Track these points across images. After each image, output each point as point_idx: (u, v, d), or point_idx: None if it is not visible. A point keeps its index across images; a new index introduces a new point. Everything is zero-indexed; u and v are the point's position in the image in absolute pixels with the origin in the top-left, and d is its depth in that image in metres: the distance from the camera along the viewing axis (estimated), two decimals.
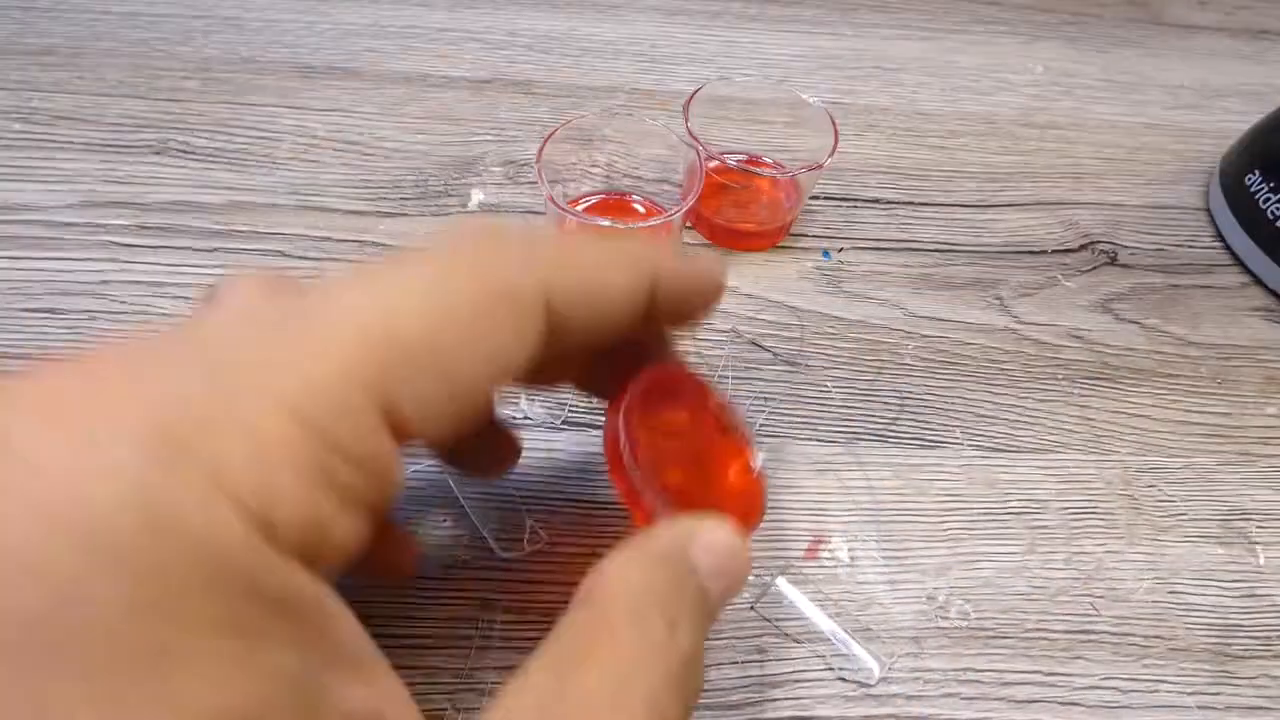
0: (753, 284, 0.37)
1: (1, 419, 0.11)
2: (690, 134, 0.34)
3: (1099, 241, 0.40)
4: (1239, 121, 0.45)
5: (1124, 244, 0.41)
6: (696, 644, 0.17)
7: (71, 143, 0.39)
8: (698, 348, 0.34)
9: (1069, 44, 0.52)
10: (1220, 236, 0.41)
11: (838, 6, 0.53)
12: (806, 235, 0.39)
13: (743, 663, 0.26)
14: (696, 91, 0.36)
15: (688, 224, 0.38)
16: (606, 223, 0.33)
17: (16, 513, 0.10)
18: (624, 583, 0.17)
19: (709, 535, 0.18)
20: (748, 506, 0.22)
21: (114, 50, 0.44)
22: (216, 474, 0.11)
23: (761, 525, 0.23)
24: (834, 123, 0.36)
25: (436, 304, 0.13)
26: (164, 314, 0.33)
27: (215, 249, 0.36)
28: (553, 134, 0.33)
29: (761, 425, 0.32)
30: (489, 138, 0.42)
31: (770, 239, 0.38)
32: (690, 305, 0.19)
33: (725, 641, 0.27)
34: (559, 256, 0.15)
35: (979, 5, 0.54)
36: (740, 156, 0.39)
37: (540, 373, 0.19)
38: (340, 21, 0.47)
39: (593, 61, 0.47)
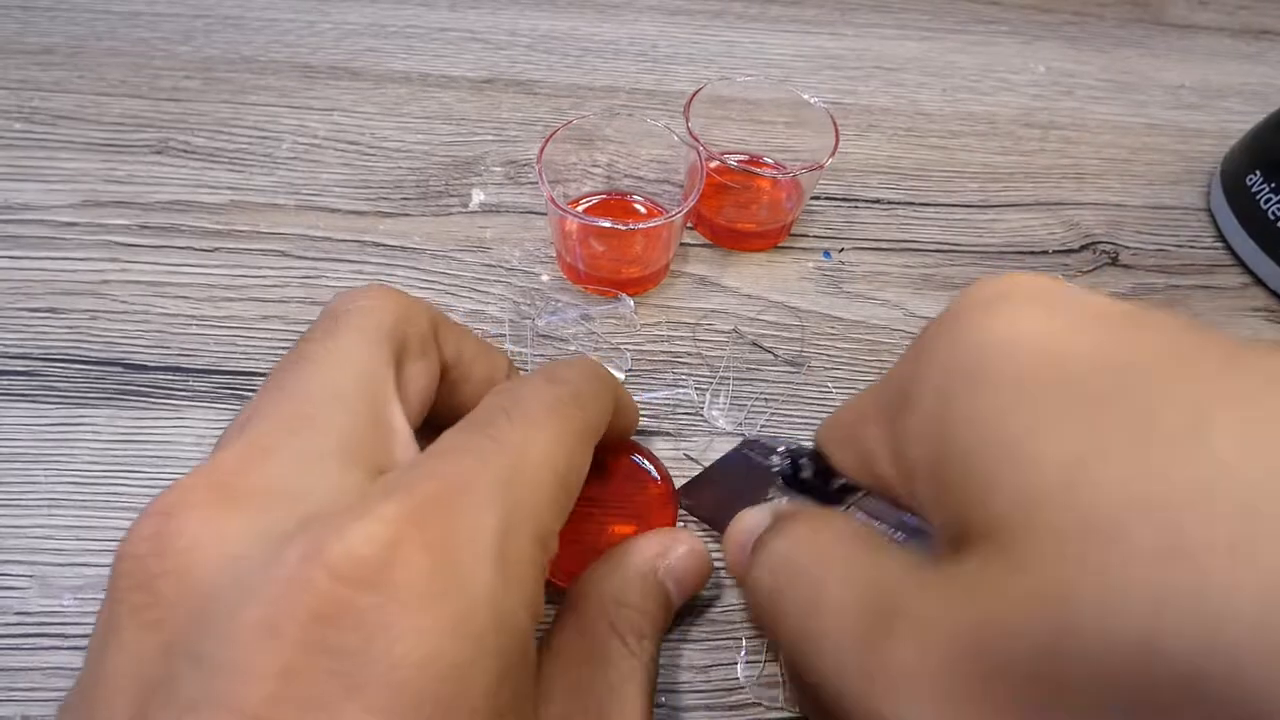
0: (753, 284, 0.37)
1: (405, 548, 0.14)
2: (691, 134, 0.34)
3: (1100, 242, 0.40)
4: (1240, 121, 0.45)
5: (1125, 244, 0.40)
6: (657, 649, 0.22)
7: (72, 142, 0.39)
8: (699, 349, 0.34)
9: (1070, 44, 0.52)
10: (1221, 237, 0.41)
11: (838, 6, 0.53)
12: (807, 235, 0.39)
13: (743, 663, 0.26)
14: (697, 92, 0.36)
15: (689, 224, 0.38)
16: (607, 223, 0.33)
17: (428, 618, 0.14)
18: (603, 597, 0.22)
19: (676, 550, 0.24)
20: (660, 510, 0.27)
21: (115, 49, 0.44)
22: (523, 590, 0.16)
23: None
24: (835, 123, 0.36)
25: (570, 451, 0.19)
26: (165, 314, 0.33)
27: (216, 249, 0.36)
28: (554, 134, 0.33)
29: (763, 426, 0.32)
30: (490, 138, 0.42)
31: (771, 239, 0.38)
32: (625, 423, 0.25)
33: (726, 641, 0.27)
34: (592, 395, 0.21)
35: (980, 5, 0.54)
36: (741, 157, 0.39)
37: None
38: (341, 21, 0.47)
39: (594, 61, 0.47)
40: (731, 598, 0.27)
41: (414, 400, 0.20)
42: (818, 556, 0.17)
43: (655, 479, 0.27)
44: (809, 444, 0.23)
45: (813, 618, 0.16)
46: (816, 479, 0.22)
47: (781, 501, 0.23)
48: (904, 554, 0.15)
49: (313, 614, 0.13)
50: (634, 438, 0.28)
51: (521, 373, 0.26)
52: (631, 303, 0.35)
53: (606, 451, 0.26)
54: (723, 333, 0.35)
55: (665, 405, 0.32)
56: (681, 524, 0.28)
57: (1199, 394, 0.11)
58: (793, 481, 0.23)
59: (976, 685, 0.12)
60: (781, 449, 0.23)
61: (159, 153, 0.39)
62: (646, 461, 0.27)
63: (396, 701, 0.13)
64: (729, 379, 0.33)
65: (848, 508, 0.21)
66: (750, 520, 0.20)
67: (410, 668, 0.13)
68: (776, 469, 0.23)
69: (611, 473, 0.27)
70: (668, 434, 0.31)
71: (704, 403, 0.32)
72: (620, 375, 0.33)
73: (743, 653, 0.26)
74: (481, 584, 0.14)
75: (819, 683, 0.15)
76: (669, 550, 0.24)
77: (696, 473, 0.29)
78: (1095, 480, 0.11)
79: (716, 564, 0.27)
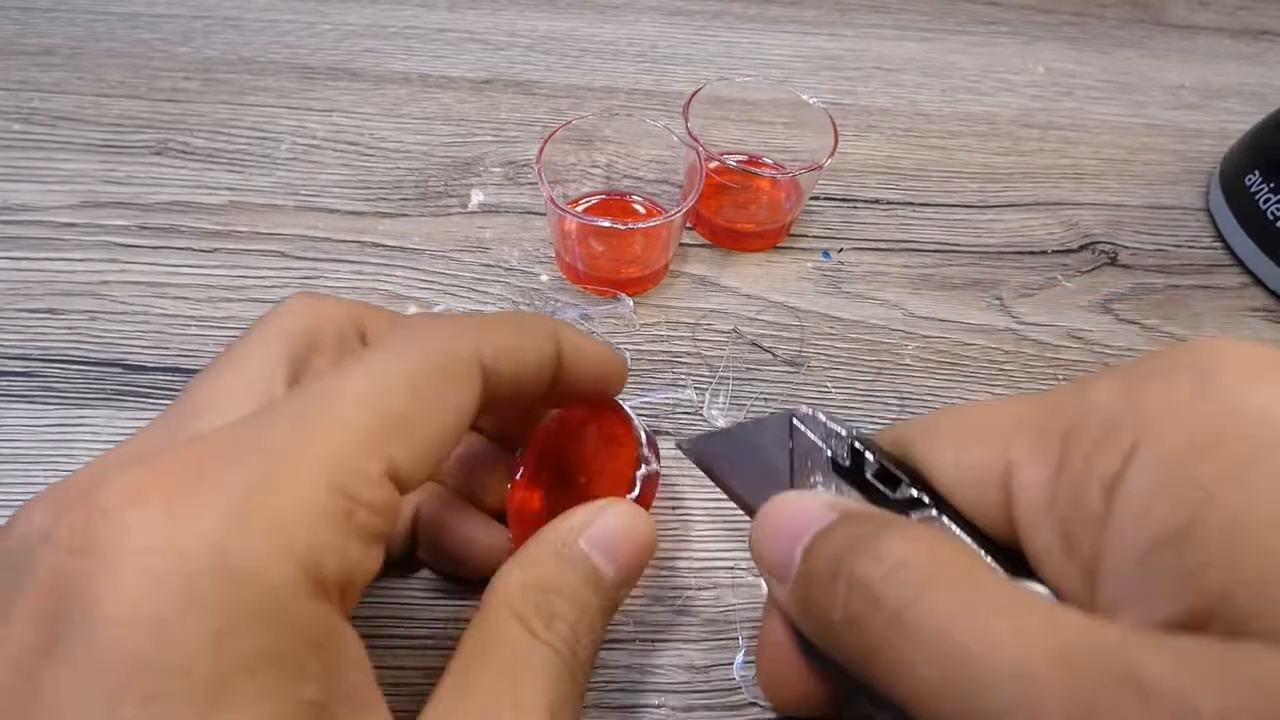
0: (753, 285, 0.37)
1: (119, 503, 0.14)
2: (690, 134, 0.34)
3: (1099, 242, 0.40)
4: (1239, 122, 0.45)
5: (1124, 244, 0.40)
6: (582, 629, 0.19)
7: (71, 143, 0.39)
8: (699, 349, 0.34)
9: (1069, 44, 0.52)
10: (1220, 237, 0.41)
11: (837, 7, 0.53)
12: (806, 236, 0.39)
13: (742, 663, 0.26)
14: (696, 92, 0.36)
15: (688, 225, 0.38)
16: (606, 223, 0.33)
17: (132, 574, 0.13)
18: (505, 585, 0.19)
19: (600, 519, 0.21)
20: (620, 478, 0.23)
21: (114, 51, 0.44)
22: (278, 535, 0.14)
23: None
24: (834, 123, 0.36)
25: (412, 380, 0.17)
26: (164, 314, 0.33)
27: (215, 249, 0.36)
28: (553, 134, 0.33)
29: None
30: (489, 138, 0.42)
31: (770, 239, 0.38)
32: (596, 378, 0.22)
33: (725, 641, 0.27)
34: (484, 329, 0.19)
35: (979, 6, 0.54)
36: (740, 157, 0.39)
37: (481, 426, 0.26)
38: (340, 22, 0.47)
39: (593, 62, 0.47)
40: (731, 598, 0.27)
41: None
42: (965, 589, 0.14)
43: (624, 442, 0.24)
44: (872, 435, 0.21)
45: (969, 672, 0.13)
46: (879, 479, 0.19)
47: (833, 493, 0.20)
48: (1081, 613, 0.13)
49: (40, 586, 0.14)
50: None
51: None
52: (631, 303, 0.35)
53: (602, 444, 0.25)
54: (722, 333, 0.35)
55: (665, 404, 0.32)
56: (675, 531, 0.28)
57: None
58: (847, 474, 0.20)
59: None
60: (844, 432, 0.20)
61: (158, 154, 0.39)
62: (622, 425, 0.25)
63: (97, 659, 0.13)
64: (729, 379, 0.33)
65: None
66: (801, 509, 0.18)
67: (112, 624, 0.13)
68: (830, 454, 0.20)
69: (588, 436, 0.25)
70: (667, 434, 0.31)
71: (703, 402, 0.32)
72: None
73: (741, 653, 0.26)
74: (201, 535, 0.14)
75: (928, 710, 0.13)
76: (593, 519, 0.21)
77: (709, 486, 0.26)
78: None
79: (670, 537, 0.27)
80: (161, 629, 0.13)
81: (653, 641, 0.26)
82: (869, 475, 0.20)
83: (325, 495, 0.15)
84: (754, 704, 0.25)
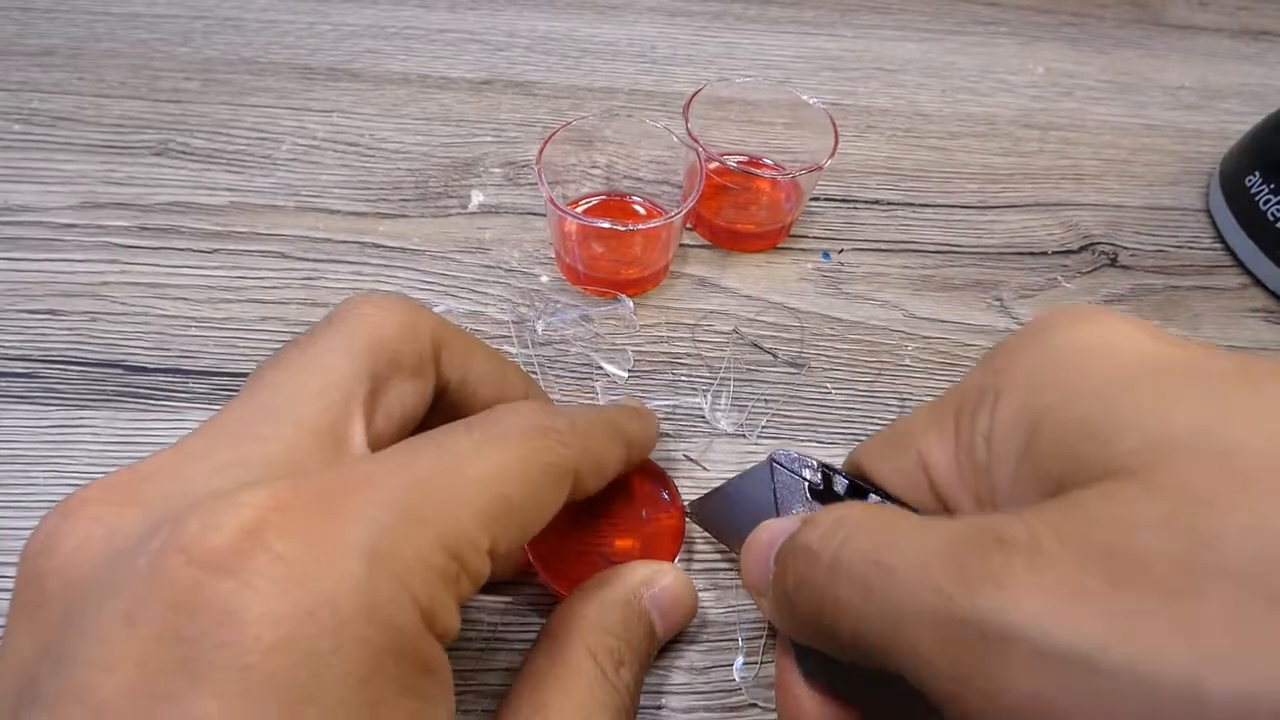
0: (753, 286, 0.37)
1: (260, 526, 0.14)
2: (690, 135, 0.34)
3: (1099, 243, 0.40)
4: (1239, 123, 0.45)
5: (1124, 245, 0.40)
6: (638, 678, 0.22)
7: (71, 144, 0.39)
8: (699, 350, 0.34)
9: (1069, 45, 0.52)
10: (1221, 238, 0.41)
11: (837, 8, 0.53)
12: (807, 237, 0.39)
13: (741, 664, 0.26)
14: (696, 93, 0.36)
15: (688, 225, 0.38)
16: (606, 224, 0.33)
17: (283, 603, 0.13)
18: (581, 622, 0.22)
19: (661, 580, 0.24)
20: (664, 542, 0.26)
21: (114, 51, 0.44)
22: (407, 582, 0.15)
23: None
24: (834, 124, 0.36)
25: (526, 478, 0.18)
26: (164, 315, 0.33)
27: (215, 250, 0.36)
28: (553, 135, 0.33)
29: (763, 428, 0.32)
30: (489, 139, 0.42)
31: (770, 240, 0.38)
32: (639, 455, 0.25)
33: (724, 643, 0.27)
34: (586, 440, 0.21)
35: (979, 6, 0.54)
36: (740, 158, 0.39)
37: None
38: (340, 23, 0.47)
39: (593, 63, 0.47)
40: (730, 599, 0.27)
41: (394, 419, 0.20)
42: (881, 525, 0.17)
43: (670, 511, 0.27)
44: (835, 464, 0.23)
45: (885, 579, 0.15)
46: (849, 495, 0.22)
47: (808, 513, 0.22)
48: (996, 516, 0.16)
49: (168, 602, 0.13)
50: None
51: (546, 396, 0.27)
52: (631, 304, 0.35)
53: (630, 472, 0.26)
54: (722, 334, 0.35)
55: (666, 405, 0.32)
56: (683, 561, 0.28)
57: None
58: (823, 496, 0.22)
59: (1104, 594, 0.13)
60: (813, 464, 0.23)
61: (158, 154, 0.39)
62: (666, 493, 0.27)
63: (245, 687, 0.13)
64: (729, 380, 0.33)
65: None
66: (776, 527, 0.20)
67: (261, 653, 0.13)
68: (807, 483, 0.23)
69: (631, 495, 0.27)
70: (668, 435, 0.31)
71: (704, 404, 0.32)
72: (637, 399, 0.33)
73: (741, 655, 0.26)
74: (348, 574, 0.14)
75: (889, 648, 0.15)
76: (654, 579, 0.24)
77: (708, 487, 0.28)
78: (1222, 435, 0.13)
79: (704, 604, 0.27)
80: (315, 661, 0.13)
81: None
82: (841, 492, 0.22)
83: (443, 557, 0.16)
84: (754, 705, 0.25)
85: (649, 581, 0.24)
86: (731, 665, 0.26)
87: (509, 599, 0.27)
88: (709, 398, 0.32)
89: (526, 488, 0.18)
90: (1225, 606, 0.12)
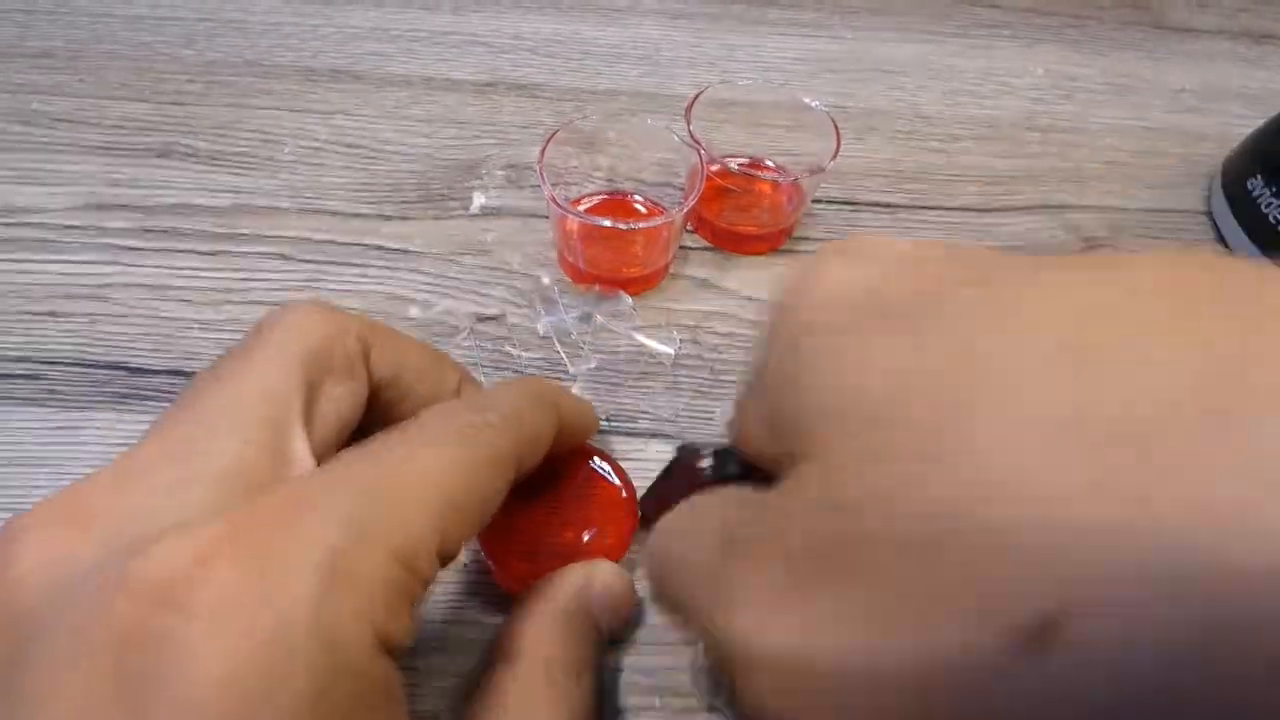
0: (754, 287, 0.37)
1: (205, 555, 0.14)
2: (693, 137, 0.34)
3: (1101, 245, 0.40)
4: (1241, 125, 0.45)
5: (1126, 247, 0.40)
6: (595, 679, 0.23)
7: (74, 145, 0.40)
8: (699, 350, 0.34)
9: (1070, 47, 0.52)
10: (1222, 240, 0.41)
11: (838, 10, 0.53)
12: (808, 239, 0.39)
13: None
14: (698, 95, 0.36)
15: (690, 227, 0.38)
16: (607, 222, 0.33)
17: (232, 635, 0.13)
18: (536, 642, 0.22)
19: (602, 579, 0.24)
20: (618, 516, 0.26)
21: (116, 53, 0.44)
22: (358, 604, 0.15)
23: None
24: (836, 126, 0.36)
25: (469, 472, 0.18)
26: (167, 317, 0.33)
27: (218, 252, 0.36)
28: (554, 136, 0.33)
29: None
30: (492, 141, 0.42)
31: (772, 242, 0.38)
32: (578, 435, 0.25)
33: None
34: (519, 426, 0.21)
35: (979, 8, 0.54)
36: (742, 160, 0.39)
37: None
38: (344, 25, 0.48)
39: (596, 65, 0.47)
40: None
41: (330, 423, 0.20)
42: (689, 518, 0.17)
43: (614, 484, 0.27)
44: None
45: (679, 564, 0.16)
46: (744, 473, 0.21)
47: None
48: (749, 493, 0.16)
49: (114, 638, 0.13)
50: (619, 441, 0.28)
51: (481, 385, 0.26)
52: (631, 301, 0.35)
53: (562, 457, 0.26)
54: (723, 334, 0.35)
55: (667, 406, 0.32)
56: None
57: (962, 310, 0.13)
58: (721, 481, 0.22)
59: (797, 588, 0.13)
60: (708, 450, 0.23)
61: (161, 156, 0.39)
62: (605, 465, 0.27)
63: None
64: (730, 382, 0.33)
65: None
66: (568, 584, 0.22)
67: (209, 687, 0.13)
68: (707, 470, 0.22)
69: (567, 478, 0.26)
70: (668, 436, 0.31)
71: (716, 409, 0.32)
72: (662, 348, 0.33)
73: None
74: (299, 598, 0.14)
75: (690, 625, 0.16)
76: (591, 581, 0.24)
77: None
78: (907, 387, 0.13)
79: None
80: (267, 691, 0.13)
81: (652, 642, 0.26)
82: (732, 473, 0.22)
83: (396, 568, 0.16)
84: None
85: (586, 585, 0.23)
86: None
87: (461, 597, 0.27)
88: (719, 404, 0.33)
89: (469, 484, 0.18)
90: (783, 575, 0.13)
